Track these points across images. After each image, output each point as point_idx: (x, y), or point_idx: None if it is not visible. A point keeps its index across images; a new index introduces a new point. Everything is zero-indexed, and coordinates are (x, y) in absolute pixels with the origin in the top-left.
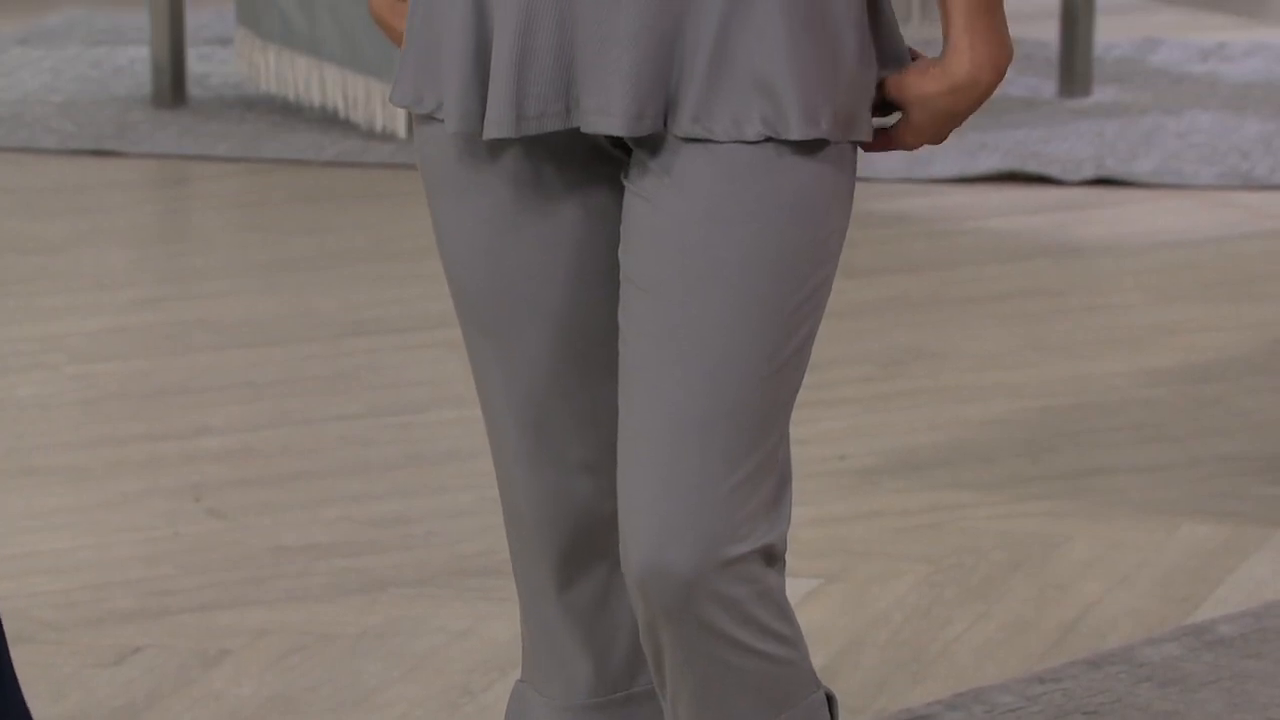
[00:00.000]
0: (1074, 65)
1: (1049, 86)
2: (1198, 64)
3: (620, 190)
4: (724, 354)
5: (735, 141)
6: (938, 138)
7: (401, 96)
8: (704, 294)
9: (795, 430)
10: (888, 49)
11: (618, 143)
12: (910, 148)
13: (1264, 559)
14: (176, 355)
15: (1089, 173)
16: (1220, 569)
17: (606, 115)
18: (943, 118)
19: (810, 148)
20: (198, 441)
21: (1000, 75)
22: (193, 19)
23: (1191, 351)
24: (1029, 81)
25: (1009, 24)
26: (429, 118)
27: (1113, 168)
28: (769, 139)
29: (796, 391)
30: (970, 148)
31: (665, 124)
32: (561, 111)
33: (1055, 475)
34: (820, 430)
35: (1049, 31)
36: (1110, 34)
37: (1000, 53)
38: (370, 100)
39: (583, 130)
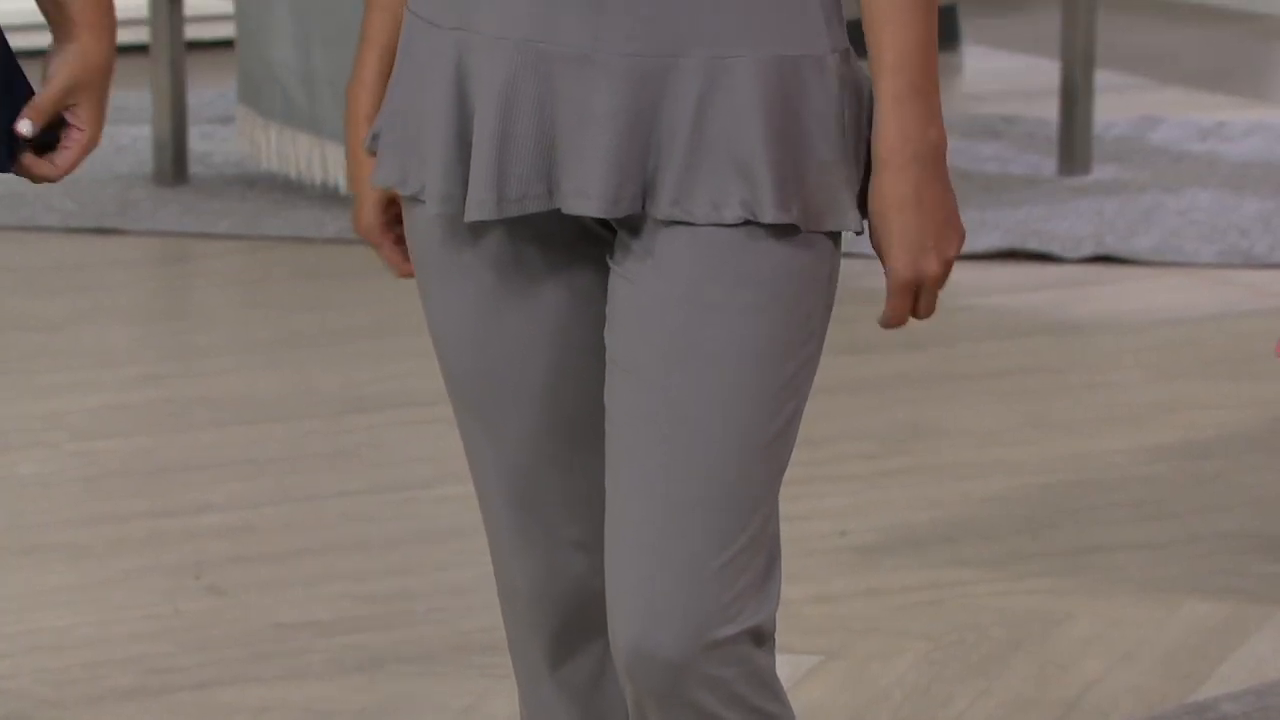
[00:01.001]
0: (1074, 143)
1: (1049, 164)
2: (1197, 143)
3: (605, 271)
4: (707, 436)
5: (714, 224)
6: (911, 240)
7: (384, 177)
8: (686, 375)
9: (795, 506)
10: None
11: (603, 223)
12: (902, 275)
13: (1266, 637)
14: (178, 432)
15: (1089, 250)
16: (1222, 647)
17: (585, 197)
18: (897, 203)
19: (787, 231)
20: (198, 518)
21: (931, 143)
22: (194, 98)
23: (1192, 429)
24: (1029, 159)
25: (1010, 101)
26: (414, 199)
27: (1113, 245)
28: (747, 221)
29: (783, 470)
30: (971, 225)
31: (644, 206)
32: (543, 193)
33: (1056, 552)
34: (820, 506)
35: (1049, 110)
36: (1109, 113)
37: (925, 125)
38: None
39: (563, 212)
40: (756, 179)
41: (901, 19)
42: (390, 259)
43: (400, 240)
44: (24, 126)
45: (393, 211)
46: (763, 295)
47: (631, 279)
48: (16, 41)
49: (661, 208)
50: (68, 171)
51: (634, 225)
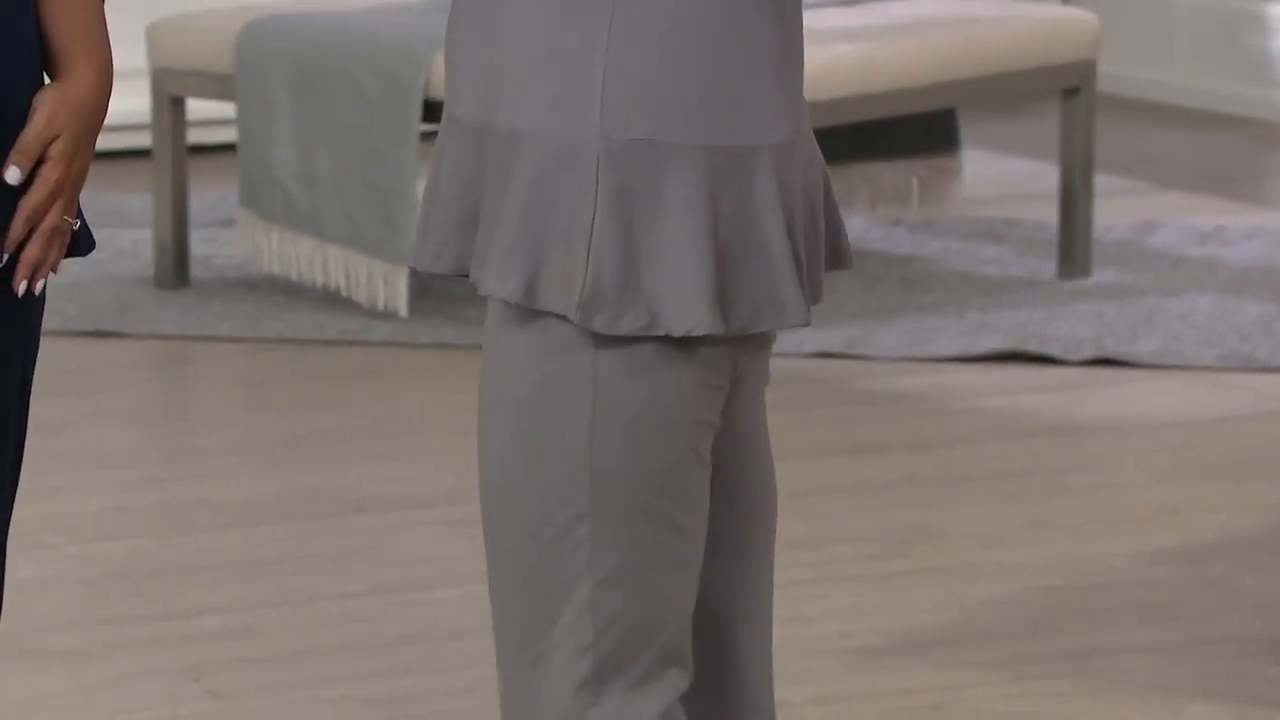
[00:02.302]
0: (1074, 247)
1: (1049, 267)
2: (1197, 247)
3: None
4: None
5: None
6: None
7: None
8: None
9: (797, 607)
10: None
11: None
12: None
13: None
14: (178, 534)
15: (1089, 353)
16: None
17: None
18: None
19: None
20: (198, 621)
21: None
22: (196, 201)
23: (1194, 532)
24: (1029, 262)
25: (1010, 204)
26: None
27: (1113, 348)
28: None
29: None
30: (971, 328)
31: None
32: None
33: (1058, 655)
34: (822, 608)
35: (1048, 213)
36: (1109, 216)
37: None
38: (372, 279)
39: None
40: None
41: None
42: None
43: None
44: (11, 175)
45: None
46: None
47: None
48: None
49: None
50: (36, 218)
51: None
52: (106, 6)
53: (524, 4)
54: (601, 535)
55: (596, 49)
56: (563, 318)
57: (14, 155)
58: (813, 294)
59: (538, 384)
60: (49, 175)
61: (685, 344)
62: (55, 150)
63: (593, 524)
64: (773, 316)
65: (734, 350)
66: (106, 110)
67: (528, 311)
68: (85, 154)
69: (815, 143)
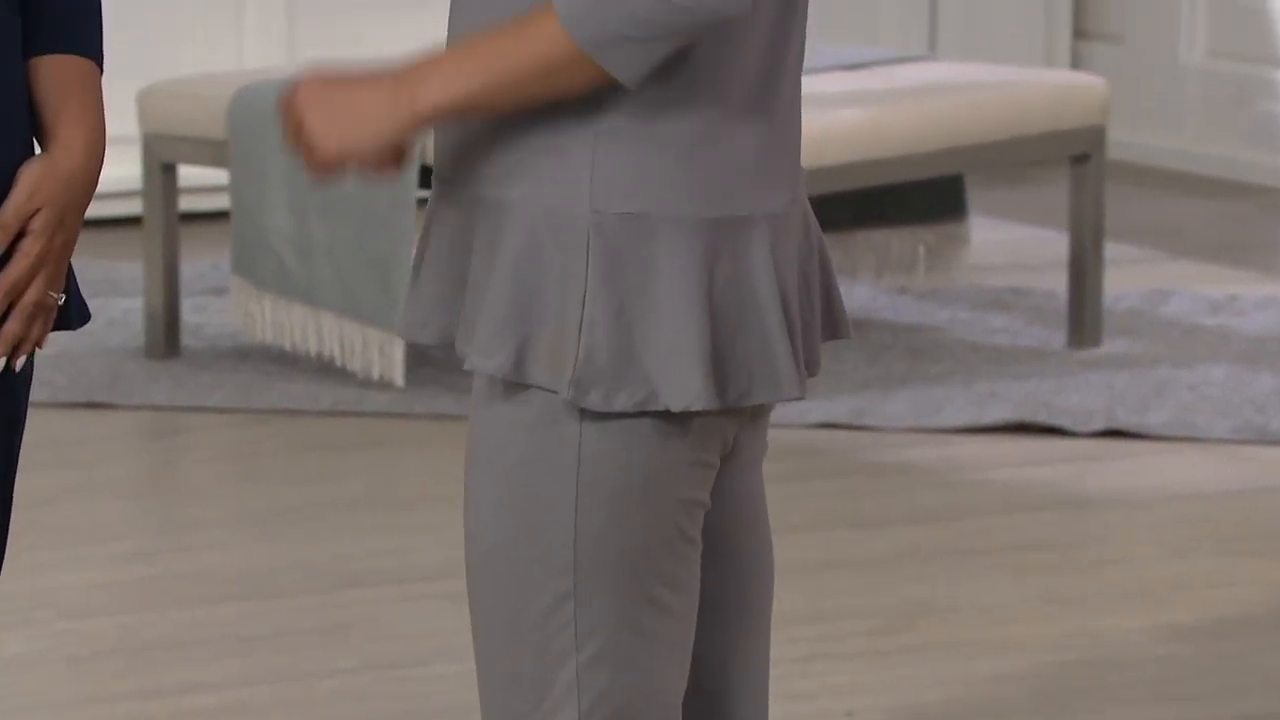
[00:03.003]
0: (1084, 316)
1: (1059, 337)
2: (1209, 317)
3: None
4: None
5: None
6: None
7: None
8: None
9: (800, 684)
10: None
11: None
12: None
13: None
14: (168, 609)
15: (1100, 424)
16: None
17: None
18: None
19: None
20: (189, 698)
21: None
22: (188, 269)
23: (1208, 607)
24: (1038, 332)
25: (1018, 273)
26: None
27: (1124, 419)
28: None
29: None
30: (980, 398)
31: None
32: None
33: None
34: (826, 685)
35: (1058, 282)
36: (1120, 285)
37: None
38: (367, 348)
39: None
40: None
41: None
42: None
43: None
44: None
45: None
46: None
47: None
48: None
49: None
50: (12, 293)
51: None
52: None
53: None
54: (586, 616)
55: (588, 120)
56: (549, 391)
57: None
58: (809, 365)
59: (521, 459)
60: (29, 249)
61: (677, 419)
62: (37, 224)
63: (577, 604)
64: (767, 390)
65: (726, 424)
66: (96, 183)
67: (512, 385)
68: (70, 228)
69: (809, 209)
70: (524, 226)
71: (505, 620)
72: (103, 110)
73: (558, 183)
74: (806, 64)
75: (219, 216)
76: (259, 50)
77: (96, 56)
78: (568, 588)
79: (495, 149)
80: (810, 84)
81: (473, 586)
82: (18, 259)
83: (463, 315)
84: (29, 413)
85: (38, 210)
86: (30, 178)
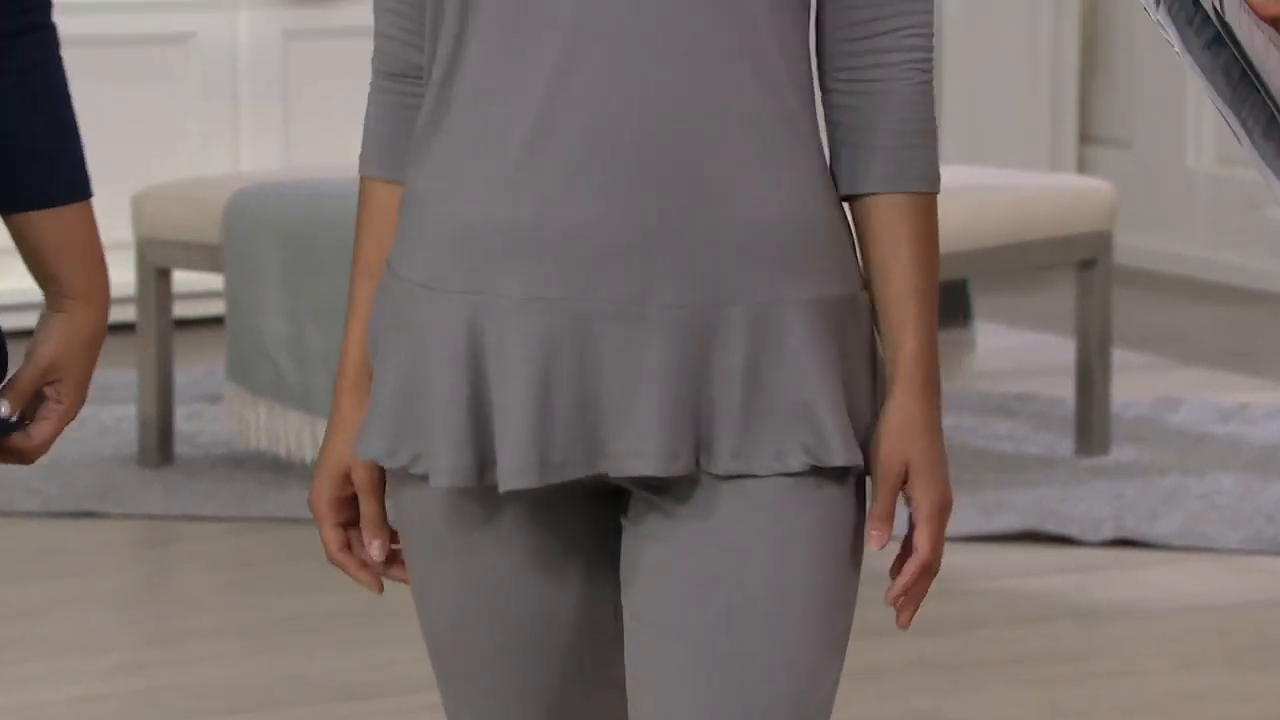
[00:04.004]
0: (1091, 423)
1: (1066, 445)
2: (1219, 425)
3: (615, 530)
4: (759, 695)
5: (777, 475)
6: (936, 464)
7: (370, 449)
8: (739, 632)
9: None
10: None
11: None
12: (940, 499)
13: None
14: None
15: (1109, 533)
16: None
17: (640, 457)
18: (930, 434)
19: (845, 473)
20: None
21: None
22: (182, 376)
23: None
24: (1045, 439)
25: (1024, 379)
26: (409, 476)
27: (1133, 529)
28: (812, 468)
29: None
30: (987, 506)
31: (697, 462)
32: (583, 458)
33: None
34: None
35: (1065, 388)
36: (1127, 392)
37: (935, 352)
38: None
39: (611, 475)
40: (820, 423)
41: (919, 244)
42: (327, 537)
43: (343, 524)
44: (1, 409)
45: (347, 490)
46: (825, 545)
47: (664, 536)
48: (7, 322)
49: (721, 462)
50: (44, 448)
51: (663, 482)
52: (94, 176)
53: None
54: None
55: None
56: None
57: (8, 393)
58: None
59: (862, 534)
60: (58, 416)
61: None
62: (63, 395)
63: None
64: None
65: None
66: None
67: (807, 476)
68: (86, 385)
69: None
70: (817, 321)
71: (779, 710)
72: (105, 260)
73: (831, 274)
74: None
75: (213, 322)
76: (255, 153)
77: (89, 193)
78: (843, 661)
79: (761, 258)
80: None
81: (743, 683)
82: (51, 422)
83: (730, 432)
84: (17, 522)
85: (60, 378)
86: (52, 347)
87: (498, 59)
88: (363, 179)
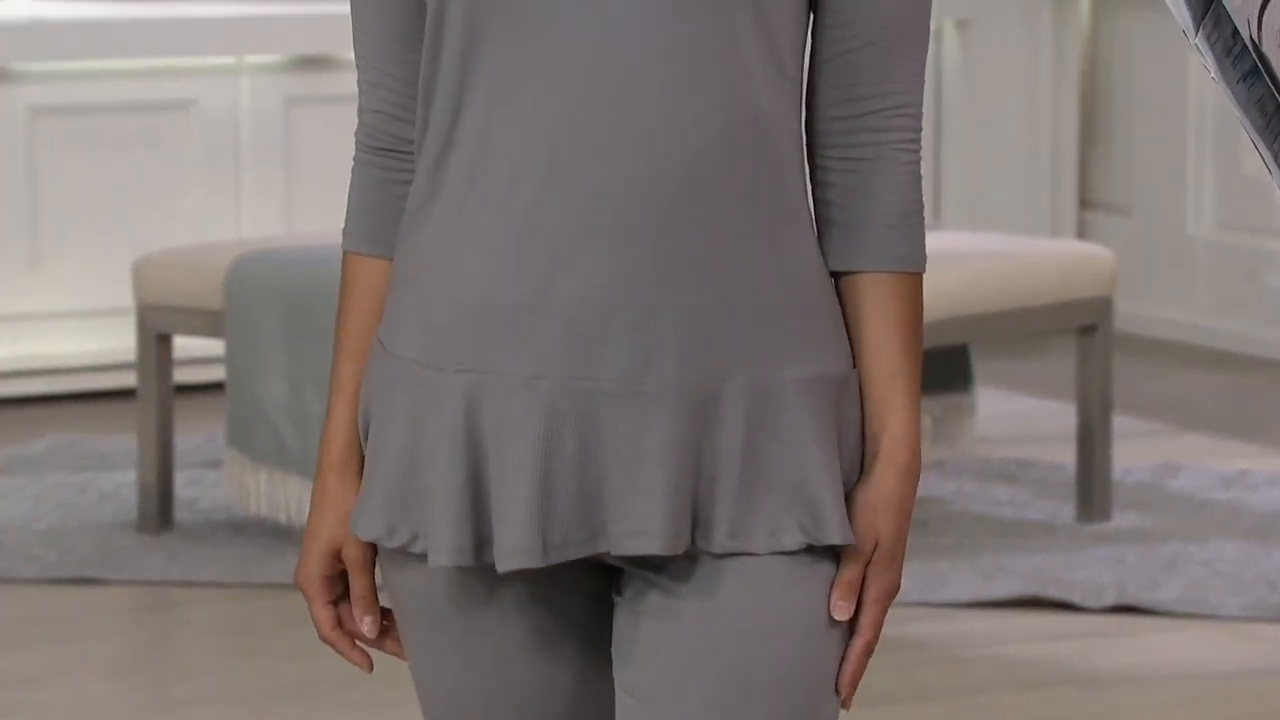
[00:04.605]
0: (1092, 489)
1: (1067, 511)
2: (1220, 491)
3: (608, 606)
4: None
5: (773, 554)
6: (899, 549)
7: (368, 529)
8: (735, 707)
9: None
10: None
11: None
12: (892, 582)
13: None
14: None
15: (1110, 600)
16: None
17: (643, 536)
18: (902, 518)
19: (838, 551)
20: None
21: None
22: (182, 443)
23: None
24: (1046, 505)
25: (1027, 445)
26: (404, 554)
27: (1135, 595)
28: (808, 546)
29: None
30: (987, 571)
31: (693, 539)
32: (585, 537)
33: None
34: None
35: (1065, 454)
36: (1128, 458)
37: (919, 439)
38: None
39: (614, 553)
40: (817, 502)
41: (906, 325)
42: (319, 616)
43: (334, 601)
44: None
45: (337, 568)
46: (819, 622)
47: (661, 614)
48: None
49: (717, 540)
50: None
51: (659, 559)
52: (95, 242)
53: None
54: None
55: None
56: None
57: None
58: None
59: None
60: None
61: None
62: None
63: None
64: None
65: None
66: None
67: (797, 554)
68: None
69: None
70: (814, 398)
71: None
72: None
73: (826, 352)
74: None
75: (213, 388)
76: (257, 220)
77: None
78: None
79: (759, 335)
80: None
81: None
82: None
83: (726, 510)
84: (16, 589)
85: None
86: None
87: (496, 134)
88: (346, 254)
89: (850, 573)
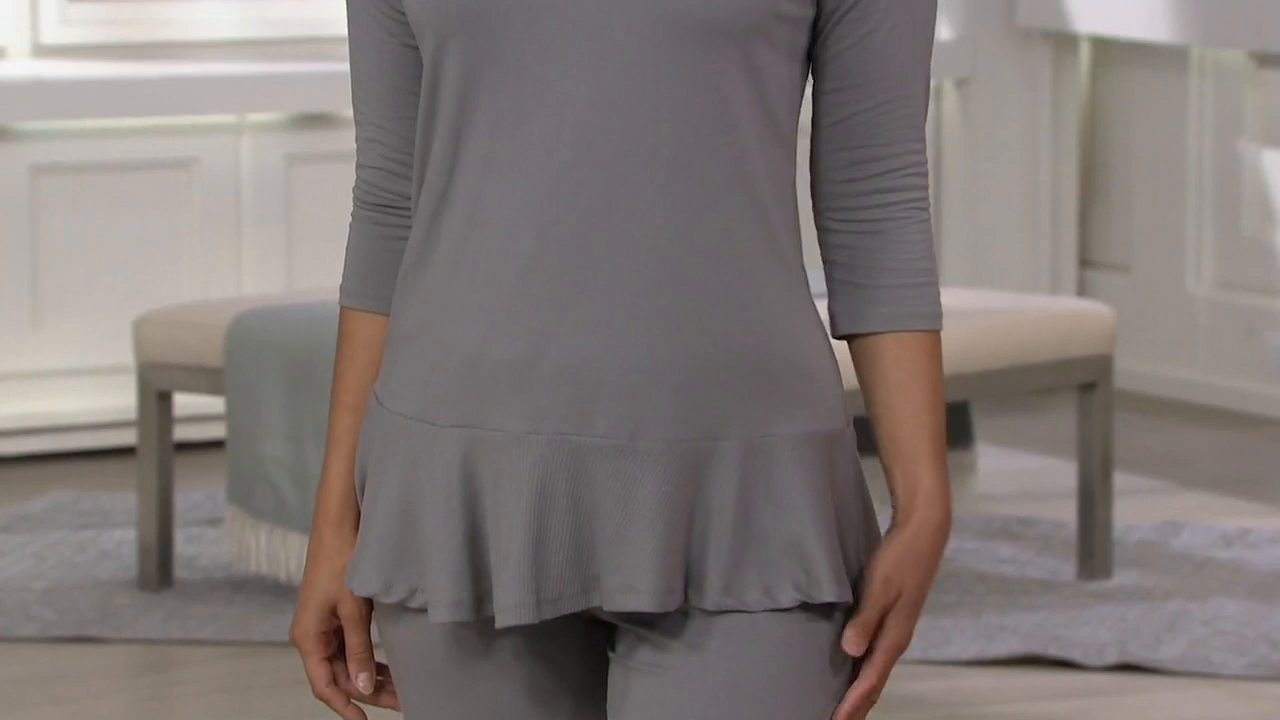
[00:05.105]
0: (1093, 547)
1: (1068, 568)
2: (1222, 550)
3: (602, 660)
4: None
5: (767, 611)
6: (919, 604)
7: (365, 585)
8: None
9: None
10: (874, 525)
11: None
12: (903, 641)
13: None
14: None
15: (1112, 658)
16: None
17: (634, 592)
18: (929, 574)
19: (833, 607)
20: None
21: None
22: (182, 500)
23: None
24: (1047, 563)
25: (1028, 503)
26: (401, 609)
27: (1137, 654)
28: (801, 603)
29: None
30: (988, 630)
31: (686, 596)
32: (579, 591)
33: None
34: None
35: (1067, 512)
36: (1130, 516)
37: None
38: None
39: (606, 609)
40: (810, 560)
41: (929, 382)
42: (314, 672)
43: (329, 657)
44: None
45: (333, 623)
46: (815, 675)
47: (652, 669)
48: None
49: (711, 598)
50: None
51: (653, 616)
52: (96, 300)
53: None
54: None
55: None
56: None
57: None
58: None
59: (846, 661)
60: None
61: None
62: None
63: None
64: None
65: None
66: None
67: (796, 610)
68: None
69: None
70: (808, 455)
71: None
72: None
73: (821, 409)
74: (813, 288)
75: (213, 446)
76: (257, 277)
77: None
78: None
79: (753, 392)
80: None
81: None
82: None
83: (719, 567)
84: (15, 648)
85: None
86: None
87: (492, 191)
88: (343, 310)
89: (869, 615)
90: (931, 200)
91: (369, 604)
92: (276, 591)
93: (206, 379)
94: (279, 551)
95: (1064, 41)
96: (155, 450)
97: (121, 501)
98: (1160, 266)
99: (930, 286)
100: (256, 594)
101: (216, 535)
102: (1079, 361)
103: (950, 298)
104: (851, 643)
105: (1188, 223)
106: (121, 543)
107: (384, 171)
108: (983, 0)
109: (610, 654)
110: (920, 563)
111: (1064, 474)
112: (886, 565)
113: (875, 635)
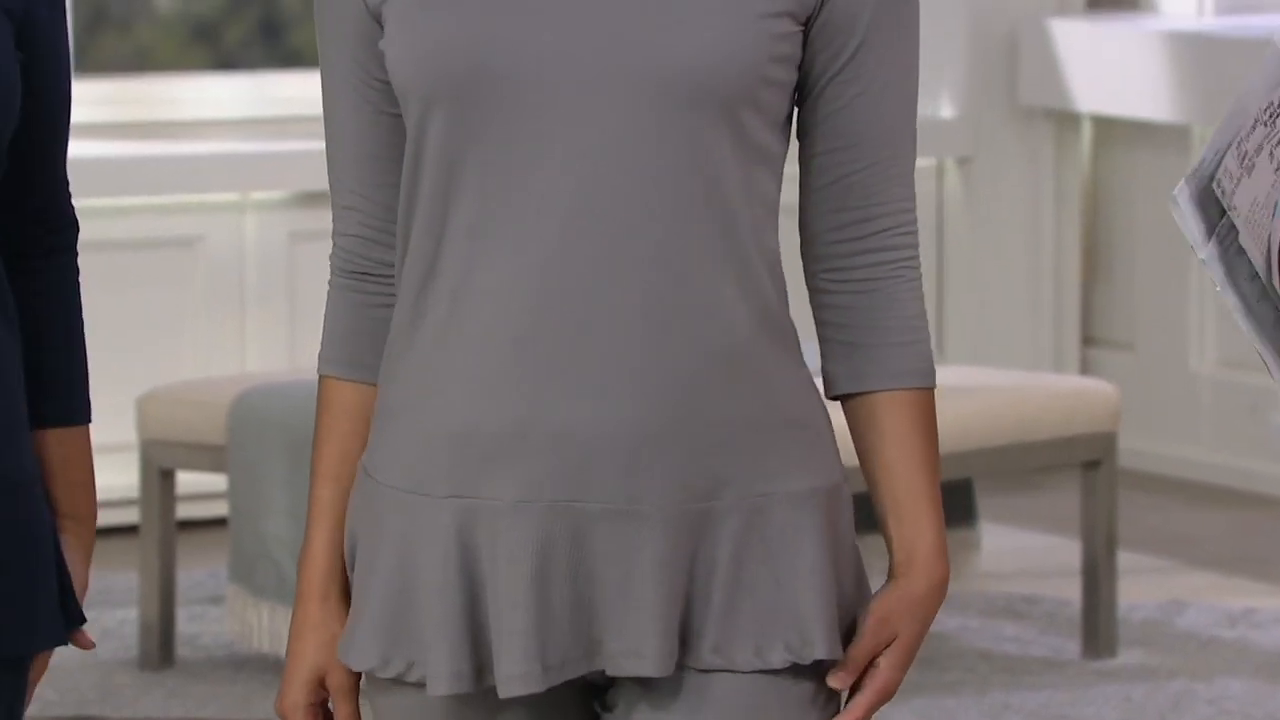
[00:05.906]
0: (1098, 626)
1: (1072, 647)
2: (1227, 629)
3: (589, 718)
4: None
5: (756, 671)
6: (912, 653)
7: (362, 660)
8: None
9: None
10: (864, 576)
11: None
12: (893, 685)
13: None
14: None
15: None
16: None
17: (639, 658)
18: (925, 626)
19: (823, 667)
20: None
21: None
22: (184, 578)
23: None
24: (1051, 641)
25: (1031, 581)
26: (396, 681)
27: None
28: (792, 664)
29: None
30: (993, 709)
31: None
32: (581, 656)
33: None
34: None
35: (1070, 590)
36: (1134, 595)
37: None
38: None
39: (609, 673)
40: (803, 620)
41: (925, 439)
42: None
43: None
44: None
45: (321, 695)
46: None
47: None
48: None
49: (702, 657)
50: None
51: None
52: (99, 378)
53: None
54: None
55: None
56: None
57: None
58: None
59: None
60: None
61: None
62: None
63: None
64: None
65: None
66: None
67: (788, 671)
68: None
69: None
70: (803, 513)
71: None
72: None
73: (816, 466)
74: (812, 364)
75: (216, 524)
76: (260, 355)
77: (90, 417)
78: None
79: (749, 452)
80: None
81: None
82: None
83: (712, 626)
84: None
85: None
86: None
87: (479, 263)
88: (323, 379)
89: (859, 652)
90: (935, 278)
91: (357, 674)
92: (279, 669)
93: (209, 457)
94: (281, 629)
95: (1066, 120)
96: (157, 528)
97: (123, 580)
98: (1164, 344)
99: (924, 343)
100: (259, 672)
101: (219, 614)
102: (1082, 439)
103: (953, 375)
104: (838, 678)
105: (1190, 301)
106: (123, 621)
107: (362, 239)
108: (985, 79)
109: (605, 715)
110: (918, 613)
111: (1068, 552)
112: (884, 607)
113: (864, 675)
